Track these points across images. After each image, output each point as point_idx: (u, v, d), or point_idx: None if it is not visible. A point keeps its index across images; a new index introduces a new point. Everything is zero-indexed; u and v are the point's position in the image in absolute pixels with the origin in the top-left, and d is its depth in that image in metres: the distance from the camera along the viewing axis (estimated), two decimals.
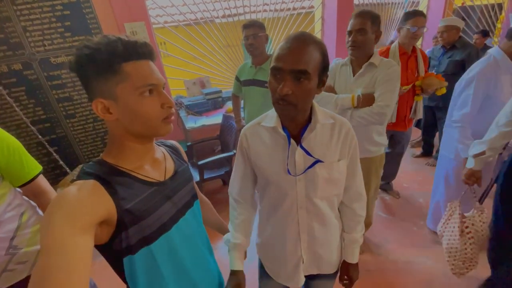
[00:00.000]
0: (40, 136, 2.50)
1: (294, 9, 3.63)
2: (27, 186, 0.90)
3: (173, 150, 0.77)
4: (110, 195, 0.53)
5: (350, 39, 1.29)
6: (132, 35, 0.55)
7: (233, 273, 0.85)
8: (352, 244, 0.89)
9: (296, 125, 0.74)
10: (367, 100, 1.27)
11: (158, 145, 0.74)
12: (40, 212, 0.98)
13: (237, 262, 0.86)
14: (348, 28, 1.29)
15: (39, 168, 0.93)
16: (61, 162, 2.55)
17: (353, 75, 1.38)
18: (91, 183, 0.52)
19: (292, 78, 0.63)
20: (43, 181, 0.94)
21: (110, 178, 0.55)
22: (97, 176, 0.53)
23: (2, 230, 0.83)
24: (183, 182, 0.72)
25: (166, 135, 0.62)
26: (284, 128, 0.74)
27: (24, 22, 2.26)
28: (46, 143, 2.53)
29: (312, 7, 3.90)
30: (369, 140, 1.45)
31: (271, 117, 0.77)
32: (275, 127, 0.74)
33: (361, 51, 1.30)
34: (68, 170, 2.62)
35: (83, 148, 2.82)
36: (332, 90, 1.41)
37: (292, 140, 0.74)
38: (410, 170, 2.81)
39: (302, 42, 0.63)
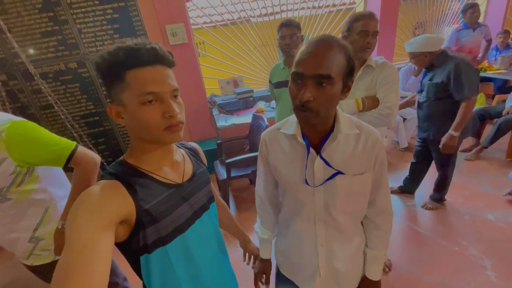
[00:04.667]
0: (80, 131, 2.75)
1: (333, 5, 3.49)
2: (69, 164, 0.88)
3: (192, 152, 0.78)
4: (131, 195, 0.56)
5: (367, 40, 1.25)
6: (143, 40, 0.55)
7: (261, 260, 0.98)
8: (374, 261, 0.83)
9: (317, 134, 0.70)
10: (372, 102, 1.28)
11: (179, 147, 0.76)
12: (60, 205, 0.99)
13: (265, 252, 0.97)
14: (362, 28, 1.23)
15: (71, 146, 0.88)
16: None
17: None
18: (113, 183, 0.55)
19: (314, 84, 0.60)
20: (78, 155, 0.88)
21: (130, 178, 0.58)
22: (119, 177, 0.57)
23: (25, 222, 0.91)
24: (201, 184, 0.73)
25: (179, 140, 0.61)
26: (304, 136, 0.71)
27: (79, 24, 2.51)
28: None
29: (354, 2, 3.71)
30: None
31: (291, 123, 0.74)
32: (295, 135, 0.72)
33: (370, 53, 1.29)
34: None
35: (126, 141, 3.07)
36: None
37: (311, 150, 0.70)
38: (457, 182, 2.53)
39: (324, 45, 0.59)
